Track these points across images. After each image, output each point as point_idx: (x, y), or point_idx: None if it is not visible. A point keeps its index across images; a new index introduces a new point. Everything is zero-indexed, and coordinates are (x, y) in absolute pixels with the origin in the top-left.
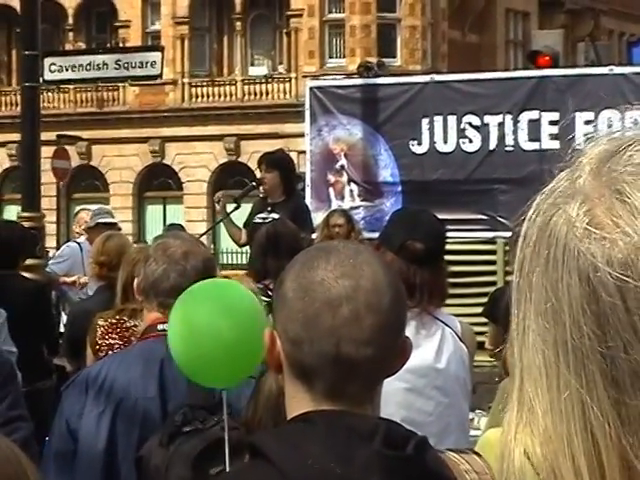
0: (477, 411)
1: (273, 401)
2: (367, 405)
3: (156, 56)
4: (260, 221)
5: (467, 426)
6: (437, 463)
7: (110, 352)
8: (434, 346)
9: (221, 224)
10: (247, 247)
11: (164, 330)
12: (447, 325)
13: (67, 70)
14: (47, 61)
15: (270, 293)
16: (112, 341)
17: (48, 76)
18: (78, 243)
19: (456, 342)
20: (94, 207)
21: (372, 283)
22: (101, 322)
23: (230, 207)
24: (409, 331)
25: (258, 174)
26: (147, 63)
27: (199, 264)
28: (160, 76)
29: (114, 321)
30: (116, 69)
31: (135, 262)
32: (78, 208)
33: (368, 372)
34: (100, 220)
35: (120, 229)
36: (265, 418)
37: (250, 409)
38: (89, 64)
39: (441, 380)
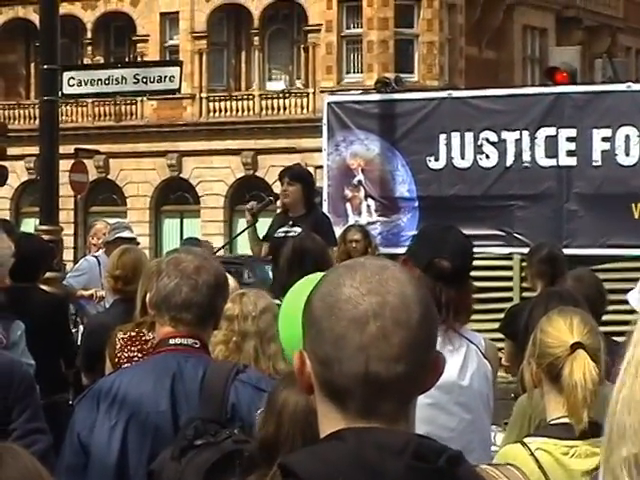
0: (493, 427)
1: (301, 415)
2: (402, 422)
3: (175, 71)
4: (282, 235)
5: (489, 443)
6: (471, 477)
7: (129, 365)
8: (459, 362)
9: (239, 237)
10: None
11: (176, 344)
12: (471, 342)
13: (86, 84)
14: (66, 75)
15: None
16: (131, 354)
17: (67, 90)
18: (96, 257)
19: (480, 359)
20: (112, 221)
21: (399, 299)
22: (120, 335)
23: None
24: None
25: (277, 188)
26: (165, 77)
27: (211, 279)
28: (178, 90)
29: (133, 334)
30: (134, 83)
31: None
32: (93, 220)
33: (400, 389)
34: (120, 235)
35: (138, 244)
36: (293, 432)
37: (271, 425)
38: (108, 78)
39: (465, 397)
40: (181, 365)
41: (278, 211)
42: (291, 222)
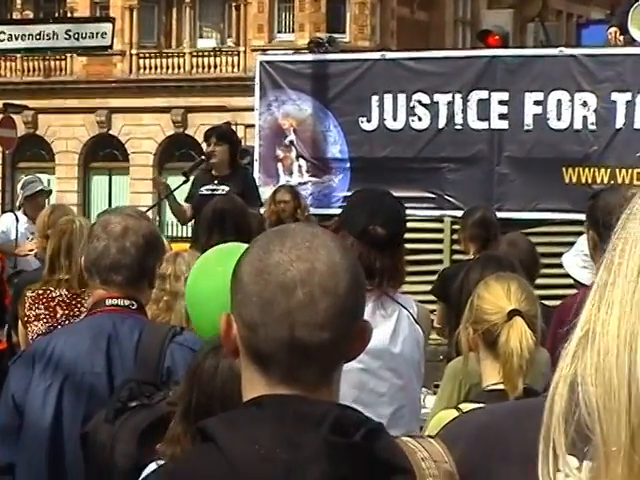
0: (423, 389)
1: (215, 378)
2: (324, 389)
3: (107, 27)
4: (208, 193)
5: (419, 409)
6: (389, 451)
7: (36, 323)
8: (390, 328)
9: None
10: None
11: (112, 305)
12: (404, 307)
13: (17, 39)
14: None
15: None
16: (38, 311)
17: None
18: (14, 213)
19: (412, 324)
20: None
21: (328, 266)
22: (29, 293)
23: (179, 181)
24: (366, 312)
25: (204, 147)
26: (98, 34)
27: (139, 240)
28: (110, 47)
29: (41, 292)
30: (66, 39)
31: (62, 233)
32: (21, 176)
33: (324, 356)
34: (27, 193)
35: (50, 192)
36: (198, 397)
37: (186, 388)
38: (39, 34)
39: (395, 362)
40: (117, 326)
41: (202, 168)
42: (216, 181)
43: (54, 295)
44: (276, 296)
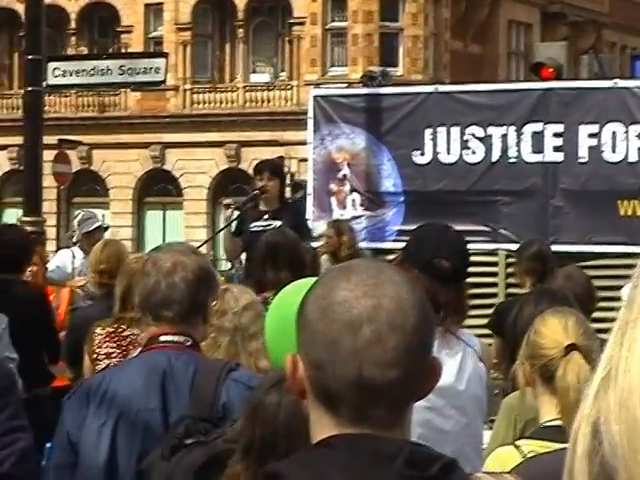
0: None
1: (280, 417)
2: (396, 429)
3: (160, 62)
4: (260, 229)
5: (481, 447)
6: None
7: (107, 361)
8: (456, 366)
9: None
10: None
11: (167, 341)
12: (468, 344)
13: (71, 75)
14: (51, 66)
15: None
16: (110, 350)
17: (51, 81)
18: (71, 250)
19: (476, 362)
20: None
21: (395, 302)
22: (99, 330)
23: (233, 215)
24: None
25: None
26: (151, 69)
27: (188, 275)
28: (164, 82)
29: (112, 330)
30: (120, 75)
31: (133, 272)
32: (77, 212)
33: (394, 395)
34: (85, 230)
35: (107, 228)
36: (262, 434)
37: (248, 426)
38: (93, 69)
39: (461, 400)
40: (172, 362)
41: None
42: (267, 216)
43: (126, 334)
44: (342, 334)
